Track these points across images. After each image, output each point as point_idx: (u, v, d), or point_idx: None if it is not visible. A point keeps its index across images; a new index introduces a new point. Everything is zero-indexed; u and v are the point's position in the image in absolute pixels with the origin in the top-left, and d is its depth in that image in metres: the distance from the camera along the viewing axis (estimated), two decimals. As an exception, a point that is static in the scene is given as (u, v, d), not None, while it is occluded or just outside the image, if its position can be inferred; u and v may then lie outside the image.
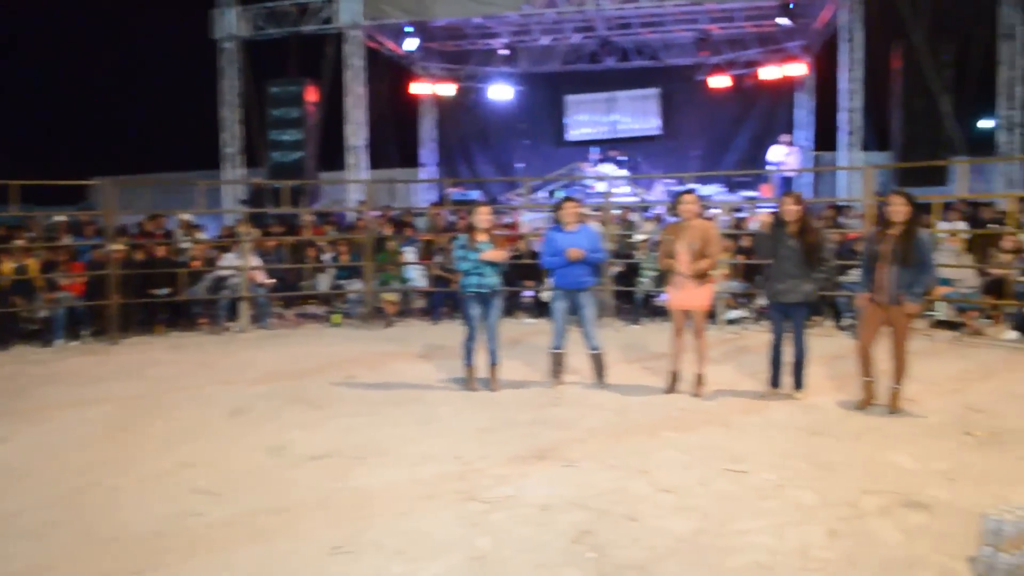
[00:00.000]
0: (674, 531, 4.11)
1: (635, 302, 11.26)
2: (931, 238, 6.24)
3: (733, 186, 18.57)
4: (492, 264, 7.21)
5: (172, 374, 8.31)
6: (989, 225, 11.84)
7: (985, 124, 18.32)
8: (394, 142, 20.31)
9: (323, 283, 12.33)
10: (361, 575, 3.73)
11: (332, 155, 18.84)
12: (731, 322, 10.86)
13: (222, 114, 18.55)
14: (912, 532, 4.09)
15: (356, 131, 18.10)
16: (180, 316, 11.48)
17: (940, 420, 6.19)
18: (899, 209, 6.23)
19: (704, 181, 17.86)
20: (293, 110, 18.51)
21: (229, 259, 11.64)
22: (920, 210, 6.32)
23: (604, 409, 6.61)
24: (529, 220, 14.44)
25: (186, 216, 12.89)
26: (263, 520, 4.36)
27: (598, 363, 7.36)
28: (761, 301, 10.45)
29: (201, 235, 13.10)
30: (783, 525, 4.18)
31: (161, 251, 11.43)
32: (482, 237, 7.23)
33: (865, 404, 6.52)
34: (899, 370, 6.38)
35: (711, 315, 10.68)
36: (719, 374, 7.75)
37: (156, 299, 11.00)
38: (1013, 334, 9.50)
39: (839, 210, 13.32)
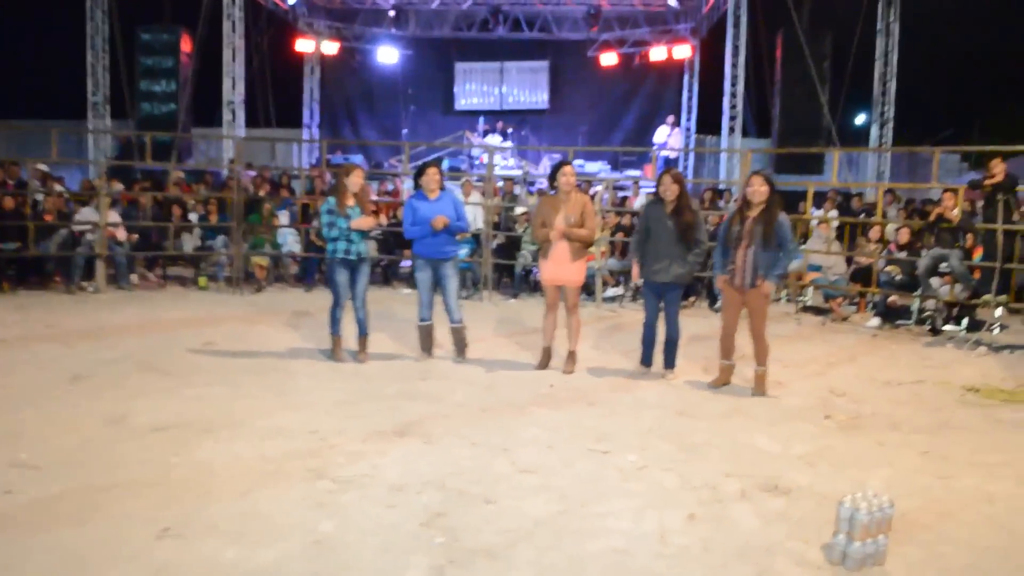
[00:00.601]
0: (531, 513, 3.94)
1: (515, 276, 11.12)
2: (789, 221, 6.26)
3: (618, 164, 18.65)
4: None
5: (13, 335, 7.67)
6: (859, 215, 12.22)
7: (860, 120, 19.00)
8: (274, 100, 19.49)
9: (188, 244, 11.68)
10: (190, 561, 3.40)
11: (207, 110, 17.96)
12: (608, 300, 10.85)
13: (88, 60, 17.40)
14: (770, 518, 4.05)
15: (233, 86, 17.31)
16: (30, 273, 10.70)
17: (803, 403, 6.25)
18: (758, 190, 6.22)
19: (589, 157, 17.86)
20: (166, 60, 17.55)
21: (86, 214, 10.88)
22: (779, 193, 6.30)
23: (473, 384, 6.42)
24: (411, 187, 14.07)
25: (41, 166, 11.97)
26: (87, 498, 3.96)
27: (459, 337, 7.15)
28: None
29: (58, 187, 12.20)
30: (643, 508, 4.07)
31: (9, 202, 10.57)
32: (350, 201, 6.88)
33: (719, 384, 6.56)
34: (761, 352, 6.40)
35: (589, 292, 10.65)
36: (593, 352, 7.68)
37: (3, 253, 10.19)
38: (876, 321, 9.80)
39: (718, 193, 13.50)
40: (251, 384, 6.19)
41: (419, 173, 7.10)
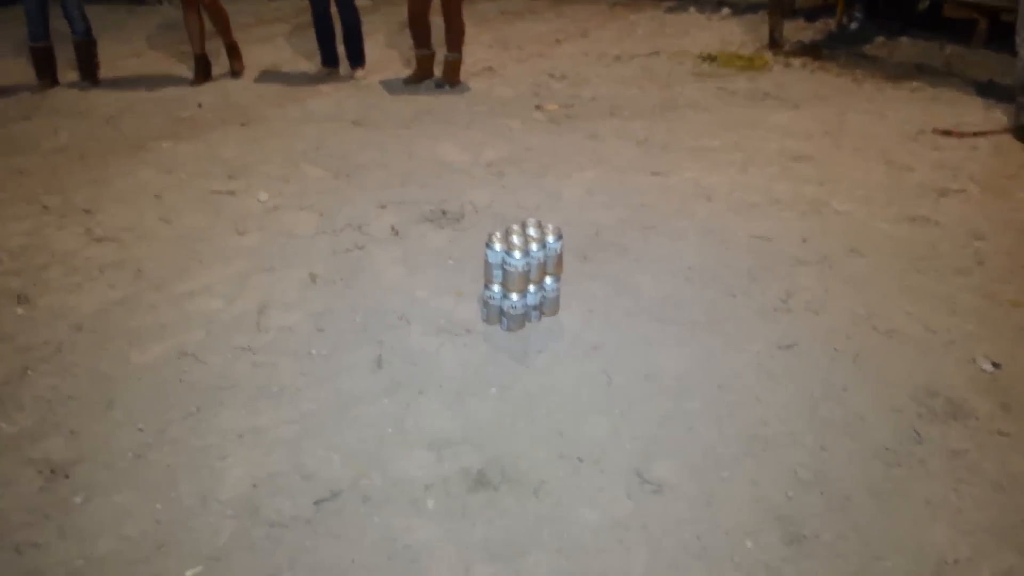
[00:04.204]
0: (82, 307, 2.72)
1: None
2: None
3: None
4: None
5: None
6: None
7: None
8: None
9: None
10: None
11: None
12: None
13: None
14: (420, 263, 3.02)
15: None
16: None
17: (514, 93, 5.17)
18: None
19: None
20: None
21: None
22: None
23: (91, 117, 4.84)
24: None
25: None
26: None
27: (85, 53, 5.36)
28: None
29: None
30: (249, 273, 2.93)
31: None
32: None
33: (417, 79, 5.31)
34: (455, 35, 5.12)
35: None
36: (274, 55, 6.19)
37: None
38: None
39: None
40: None
41: None
